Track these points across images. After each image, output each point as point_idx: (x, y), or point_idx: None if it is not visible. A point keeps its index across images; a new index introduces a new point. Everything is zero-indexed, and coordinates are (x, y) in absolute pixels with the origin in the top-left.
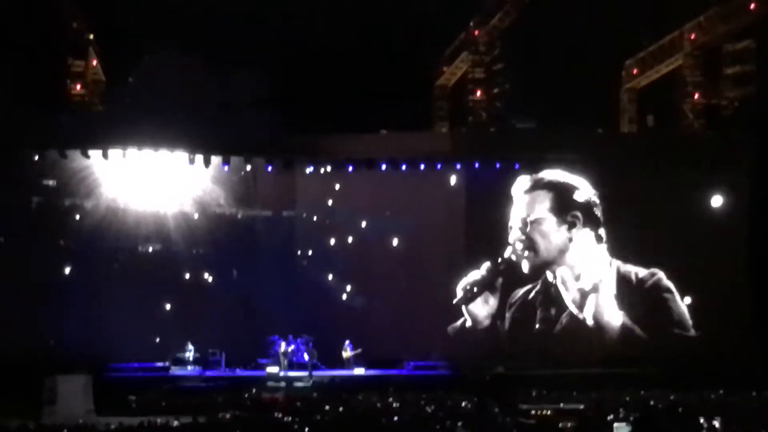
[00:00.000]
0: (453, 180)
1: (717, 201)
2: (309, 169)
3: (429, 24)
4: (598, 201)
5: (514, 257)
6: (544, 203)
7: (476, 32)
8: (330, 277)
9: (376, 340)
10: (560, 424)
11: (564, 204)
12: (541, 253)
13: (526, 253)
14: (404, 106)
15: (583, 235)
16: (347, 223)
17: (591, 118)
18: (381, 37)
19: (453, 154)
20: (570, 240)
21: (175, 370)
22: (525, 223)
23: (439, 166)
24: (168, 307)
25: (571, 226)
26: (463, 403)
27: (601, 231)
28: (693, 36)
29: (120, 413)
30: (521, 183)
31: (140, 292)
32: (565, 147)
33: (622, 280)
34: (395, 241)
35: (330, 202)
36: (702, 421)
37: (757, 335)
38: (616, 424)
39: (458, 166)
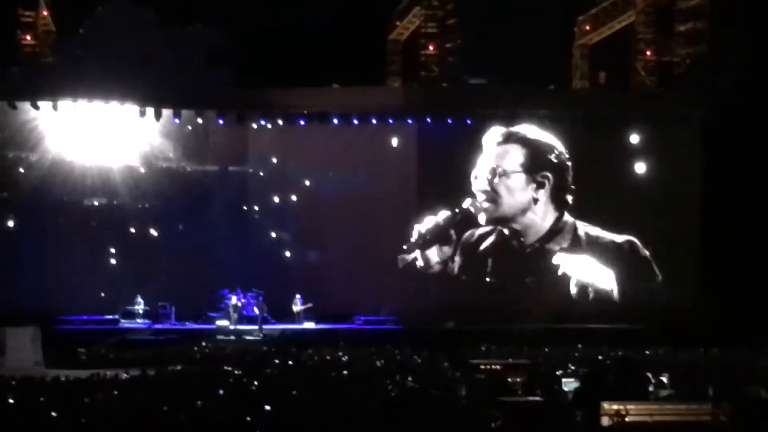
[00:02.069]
0: (405, 135)
1: (670, 159)
2: (261, 123)
3: None
4: (569, 164)
5: (472, 209)
6: (516, 158)
7: None
8: (281, 231)
9: (326, 294)
10: (509, 379)
11: (537, 162)
12: (502, 207)
13: (487, 204)
14: (357, 61)
15: (549, 196)
16: (299, 177)
17: (543, 74)
18: None
19: (405, 109)
20: (535, 201)
21: (125, 323)
22: (493, 174)
23: (391, 121)
24: (118, 260)
25: (540, 186)
26: (413, 358)
27: (568, 196)
28: None
29: (69, 365)
30: (494, 134)
31: (89, 246)
32: (517, 103)
33: (593, 243)
34: (347, 196)
35: (282, 156)
36: (650, 376)
37: (707, 294)
38: (564, 379)
39: (410, 121)
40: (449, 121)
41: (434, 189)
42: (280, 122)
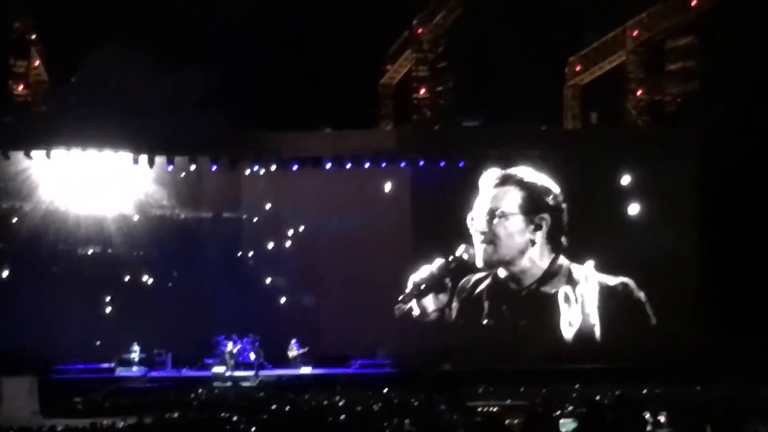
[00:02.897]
0: (398, 178)
1: (664, 198)
2: (254, 169)
3: (374, 22)
4: (565, 206)
5: (465, 255)
6: (514, 200)
7: (420, 30)
8: (276, 276)
9: (322, 339)
10: (507, 421)
11: (534, 205)
12: (500, 249)
13: (485, 246)
14: (349, 104)
15: (545, 238)
16: (293, 222)
17: (535, 115)
18: (326, 34)
19: (398, 152)
20: (532, 243)
21: (121, 371)
22: (492, 216)
23: (384, 165)
24: (113, 308)
25: (537, 228)
26: (411, 401)
27: (563, 239)
28: (636, 32)
29: (65, 415)
30: (491, 176)
31: (85, 294)
32: (510, 144)
33: (591, 287)
34: (341, 240)
35: (275, 201)
36: (648, 415)
37: (704, 331)
38: (562, 420)
39: (403, 164)
40: (442, 163)
41: (428, 231)
42: (273, 167)
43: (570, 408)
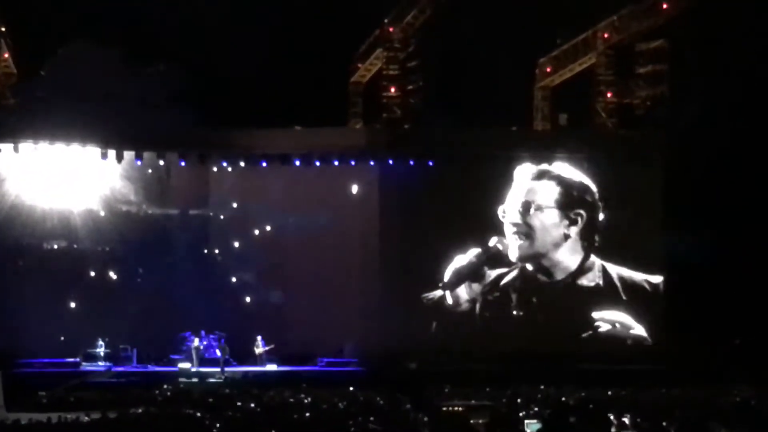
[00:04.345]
0: (367, 176)
1: (630, 200)
2: (222, 165)
3: (344, 20)
4: (602, 204)
5: (500, 246)
6: (551, 194)
7: (390, 29)
8: (243, 273)
9: (288, 336)
10: (472, 420)
11: (571, 200)
12: (535, 243)
13: (521, 239)
14: (319, 102)
15: (579, 234)
16: (261, 218)
17: (504, 115)
18: (296, 32)
19: (367, 150)
20: (566, 237)
21: (86, 366)
22: (527, 209)
23: (353, 163)
24: (79, 303)
25: (572, 223)
26: (376, 399)
27: (597, 236)
28: (606, 35)
29: (30, 409)
30: (527, 169)
31: (50, 288)
32: (478, 144)
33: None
34: (308, 238)
35: (243, 198)
36: (612, 417)
37: (669, 333)
38: (527, 421)
39: (372, 163)
40: (411, 162)
41: (396, 230)
42: (242, 164)
43: (535, 409)
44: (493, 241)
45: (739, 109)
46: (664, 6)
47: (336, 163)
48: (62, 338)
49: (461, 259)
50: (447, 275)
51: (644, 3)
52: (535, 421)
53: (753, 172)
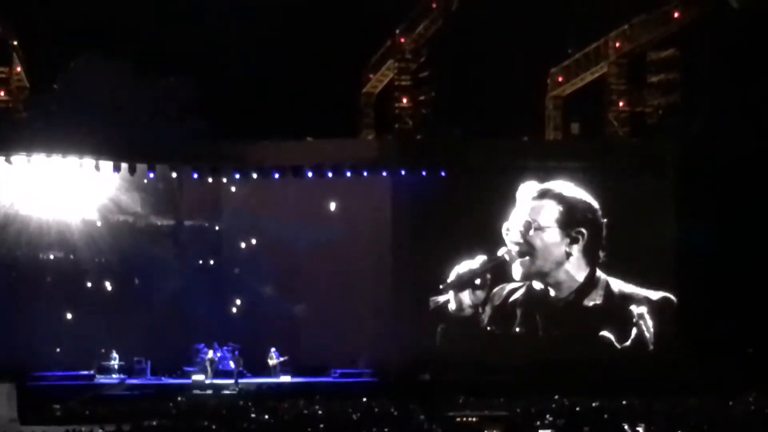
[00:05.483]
0: (379, 187)
1: (643, 209)
2: (235, 177)
3: (356, 31)
4: (604, 221)
5: (507, 257)
6: (552, 213)
7: (402, 40)
8: (256, 285)
9: (302, 347)
10: (485, 431)
11: (572, 218)
12: (536, 261)
13: (522, 257)
14: (331, 113)
15: (581, 252)
16: (273, 230)
17: (517, 125)
18: (307, 43)
19: (379, 161)
20: (568, 255)
21: (100, 378)
22: (528, 228)
23: (365, 174)
24: (93, 315)
25: (574, 241)
26: (390, 410)
27: (601, 253)
28: (618, 44)
29: (44, 422)
30: (528, 188)
31: (65, 301)
32: (490, 154)
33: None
34: (321, 249)
35: (256, 210)
36: (626, 427)
37: (683, 342)
38: (541, 431)
39: (384, 174)
40: (423, 173)
41: (409, 241)
42: (254, 176)
43: (549, 419)
44: (502, 251)
45: (752, 118)
46: (676, 15)
47: (348, 174)
48: (77, 350)
49: (467, 264)
50: (451, 276)
51: (656, 12)
52: (549, 431)
53: None
